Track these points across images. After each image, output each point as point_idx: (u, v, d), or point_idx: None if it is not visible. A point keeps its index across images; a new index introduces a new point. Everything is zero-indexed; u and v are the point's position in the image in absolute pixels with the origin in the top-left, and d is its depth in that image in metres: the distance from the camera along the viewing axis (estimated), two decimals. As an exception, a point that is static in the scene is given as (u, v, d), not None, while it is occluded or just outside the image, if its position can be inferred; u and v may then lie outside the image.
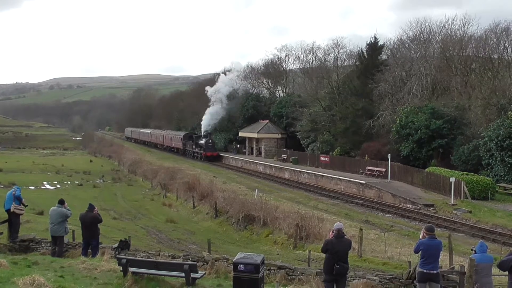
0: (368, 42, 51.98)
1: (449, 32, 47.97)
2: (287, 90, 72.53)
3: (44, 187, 47.29)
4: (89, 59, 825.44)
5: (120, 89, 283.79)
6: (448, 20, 53.32)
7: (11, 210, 15.36)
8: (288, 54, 73.40)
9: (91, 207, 14.51)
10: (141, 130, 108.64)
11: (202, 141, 69.55)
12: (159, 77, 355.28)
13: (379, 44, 51.86)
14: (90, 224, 14.24)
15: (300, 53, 70.64)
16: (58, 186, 48.55)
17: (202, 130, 72.81)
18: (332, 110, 54.19)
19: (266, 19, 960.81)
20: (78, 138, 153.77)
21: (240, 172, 56.29)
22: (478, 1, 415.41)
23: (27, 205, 16.62)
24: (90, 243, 14.31)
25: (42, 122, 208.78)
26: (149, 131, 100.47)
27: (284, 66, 74.54)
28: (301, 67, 71.60)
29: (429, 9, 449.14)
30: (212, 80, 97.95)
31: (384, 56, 52.87)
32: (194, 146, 71.99)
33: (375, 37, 51.52)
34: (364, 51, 52.33)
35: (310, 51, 68.25)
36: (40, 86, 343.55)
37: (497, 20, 44.77)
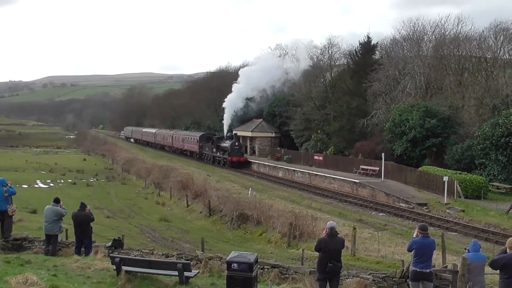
0: (360, 41, 52.12)
1: (442, 31, 48.13)
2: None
3: (37, 186, 47.12)
4: (82, 57, 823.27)
5: (113, 88, 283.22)
6: (442, 19, 53.48)
7: (10, 214, 15.25)
8: (283, 53, 73.22)
9: (82, 206, 14.45)
10: (143, 130, 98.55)
11: (226, 144, 57.83)
12: (153, 76, 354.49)
13: (372, 44, 51.94)
14: (82, 222, 14.21)
15: (294, 51, 70.55)
16: (51, 184, 48.37)
17: (225, 128, 62.82)
18: (326, 109, 54.25)
19: (266, 17, 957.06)
20: (71, 137, 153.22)
21: (234, 171, 56.21)
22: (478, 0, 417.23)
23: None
24: (83, 242, 14.27)
25: (35, 120, 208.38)
26: (154, 131, 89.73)
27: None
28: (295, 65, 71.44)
29: (430, 7, 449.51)
30: (205, 78, 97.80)
31: (378, 55, 52.91)
32: (215, 150, 60.48)
33: (368, 36, 51.63)
34: (357, 51, 52.41)
35: (303, 50, 68.10)
36: (33, 85, 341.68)
37: (497, 19, 44.60)
